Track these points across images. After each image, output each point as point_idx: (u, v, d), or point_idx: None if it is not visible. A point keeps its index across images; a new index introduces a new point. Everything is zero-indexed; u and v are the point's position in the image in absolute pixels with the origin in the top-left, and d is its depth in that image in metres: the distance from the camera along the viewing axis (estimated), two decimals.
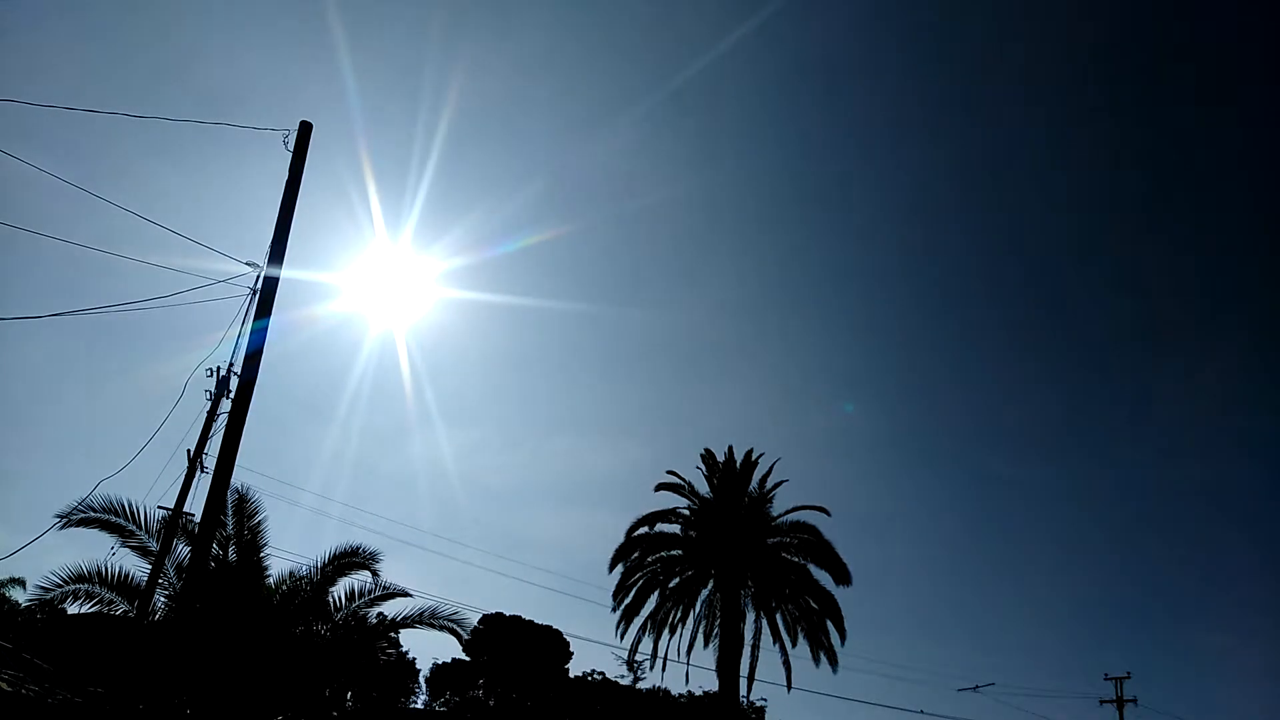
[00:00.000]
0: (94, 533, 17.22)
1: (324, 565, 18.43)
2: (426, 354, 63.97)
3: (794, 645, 29.73)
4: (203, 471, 17.23)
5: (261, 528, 18.47)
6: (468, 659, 47.78)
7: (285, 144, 12.80)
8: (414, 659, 48.01)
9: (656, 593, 30.63)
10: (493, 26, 75.90)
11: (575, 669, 49.62)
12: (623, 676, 47.16)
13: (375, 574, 18.56)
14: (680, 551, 31.37)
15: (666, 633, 30.39)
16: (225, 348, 13.62)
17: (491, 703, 47.76)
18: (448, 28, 65.32)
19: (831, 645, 29.52)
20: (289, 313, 15.80)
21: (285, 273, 12.24)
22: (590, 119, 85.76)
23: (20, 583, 32.33)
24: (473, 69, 70.68)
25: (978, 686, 44.27)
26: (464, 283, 53.92)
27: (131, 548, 17.56)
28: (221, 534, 17.69)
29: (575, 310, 79.91)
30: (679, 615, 30.59)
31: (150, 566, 17.01)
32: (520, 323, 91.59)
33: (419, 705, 48.14)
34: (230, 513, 17.97)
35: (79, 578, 16.97)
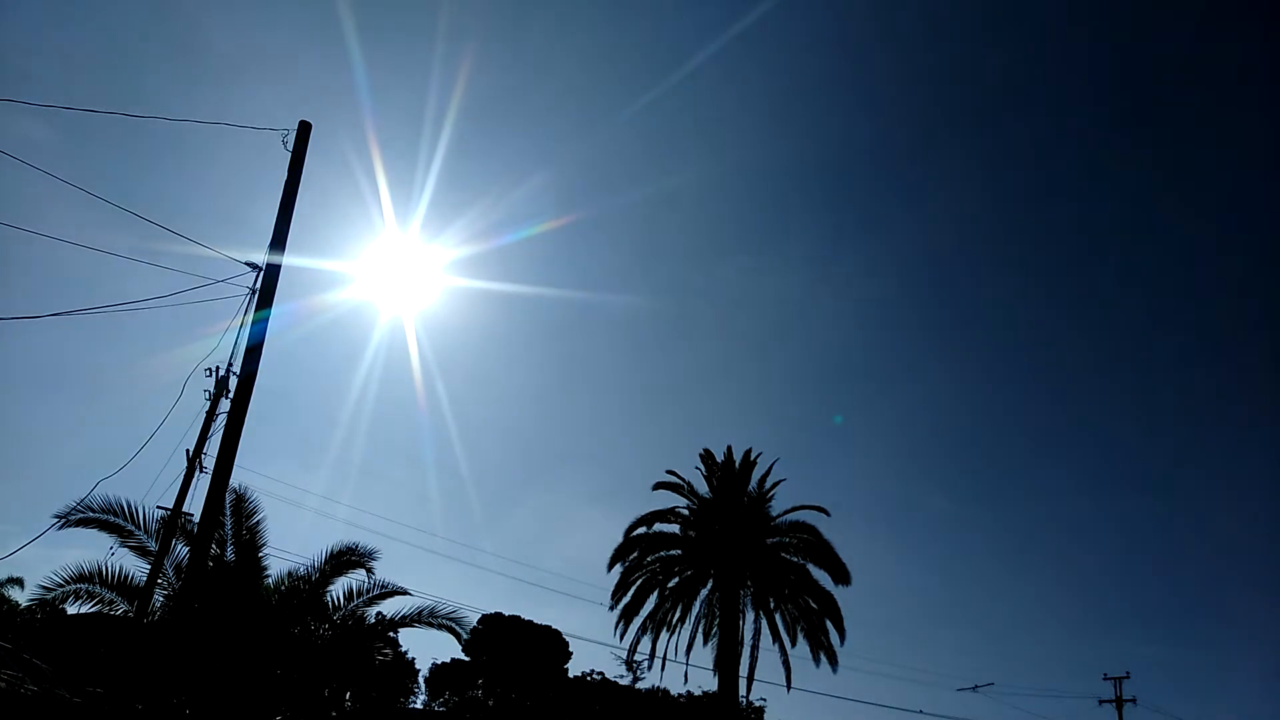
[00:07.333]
0: (93, 532, 17.24)
1: (321, 565, 18.46)
2: (435, 342, 64.11)
3: (793, 645, 29.74)
4: (202, 471, 17.18)
5: (260, 527, 18.51)
6: (467, 659, 47.74)
7: (284, 144, 12.84)
8: (413, 659, 47.95)
9: (655, 592, 30.61)
10: (500, 18, 76.03)
11: (574, 669, 49.63)
12: (622, 676, 47.16)
13: (370, 572, 18.61)
14: (679, 551, 31.36)
15: (665, 632, 30.38)
16: (225, 344, 13.59)
17: (491, 703, 47.71)
18: (455, 19, 65.42)
19: (831, 645, 29.50)
20: (300, 300, 15.90)
21: (298, 261, 12.46)
22: (595, 109, 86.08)
23: (19, 583, 32.37)
24: (480, 60, 70.85)
25: (978, 686, 44.38)
26: (471, 271, 54.07)
27: (130, 548, 17.58)
28: (220, 534, 17.72)
29: (579, 300, 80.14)
30: (678, 615, 30.58)
31: (149, 566, 17.00)
32: (526, 312, 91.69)
33: (418, 705, 48.07)
34: (229, 512, 18.00)
35: (79, 578, 17.00)
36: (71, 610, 20.24)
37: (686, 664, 30.61)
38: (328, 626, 18.59)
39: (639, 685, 47.14)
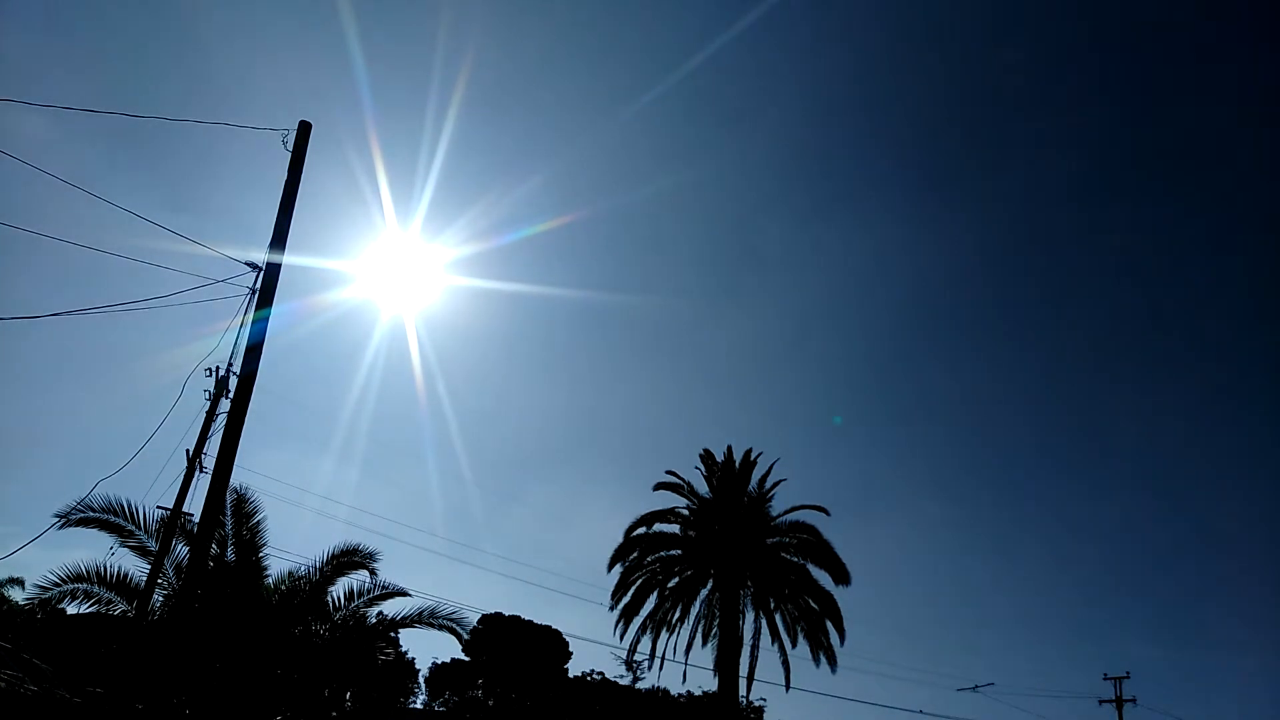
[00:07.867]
0: (94, 532, 17.23)
1: (322, 565, 18.44)
2: (436, 342, 64.18)
3: (793, 645, 29.74)
4: (202, 471, 17.19)
5: (260, 527, 18.49)
6: (467, 659, 47.73)
7: (285, 144, 12.86)
8: (413, 659, 47.95)
9: (655, 592, 30.61)
10: (501, 16, 76.02)
11: (574, 669, 49.63)
12: (622, 676, 47.14)
13: (373, 573, 18.60)
14: (679, 551, 31.35)
15: (665, 632, 30.38)
16: (225, 344, 13.58)
17: (491, 703, 47.71)
18: (455, 18, 65.46)
19: (831, 645, 29.50)
20: (301, 300, 15.93)
21: (299, 260, 12.50)
22: (598, 107, 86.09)
23: (20, 583, 32.31)
24: (481, 58, 70.87)
25: (978, 686, 44.40)
26: (472, 270, 54.11)
27: (130, 548, 17.57)
28: (220, 534, 17.70)
29: (581, 299, 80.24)
30: (678, 615, 30.57)
31: (149, 566, 17.00)
32: (527, 311, 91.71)
33: (418, 705, 48.07)
34: (229, 512, 17.98)
35: (78, 577, 16.98)
36: (71, 610, 20.23)
37: (686, 664, 30.65)
38: (328, 627, 18.58)
39: (639, 685, 47.17)
